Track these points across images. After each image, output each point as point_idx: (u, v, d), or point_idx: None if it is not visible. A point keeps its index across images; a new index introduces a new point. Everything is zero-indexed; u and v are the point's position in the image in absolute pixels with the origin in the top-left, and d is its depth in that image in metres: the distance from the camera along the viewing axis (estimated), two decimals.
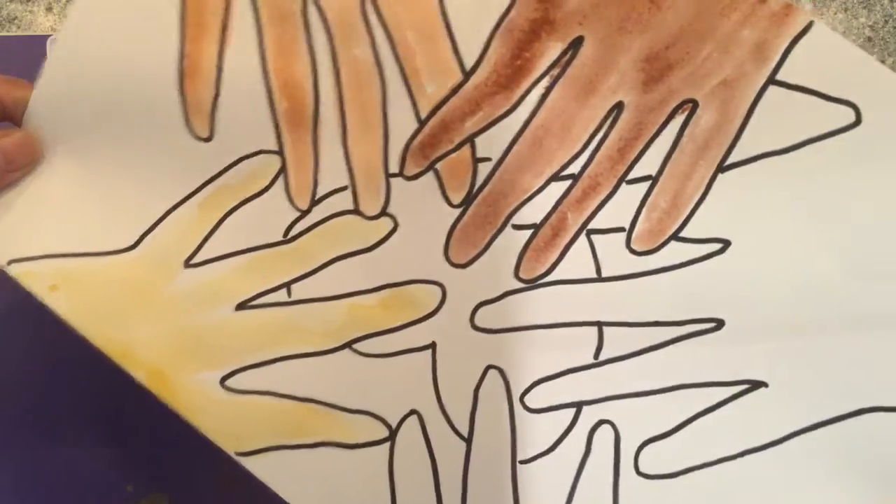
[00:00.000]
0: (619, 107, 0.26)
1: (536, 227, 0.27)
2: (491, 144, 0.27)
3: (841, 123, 0.26)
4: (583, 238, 0.27)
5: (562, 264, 0.27)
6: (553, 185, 0.27)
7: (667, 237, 0.27)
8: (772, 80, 0.25)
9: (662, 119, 0.26)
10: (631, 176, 0.26)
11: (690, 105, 0.26)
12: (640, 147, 0.26)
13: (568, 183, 0.27)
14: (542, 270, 0.27)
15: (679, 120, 0.26)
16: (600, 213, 0.27)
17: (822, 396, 0.27)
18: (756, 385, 0.27)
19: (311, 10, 0.26)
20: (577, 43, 0.26)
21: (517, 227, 0.27)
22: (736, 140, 0.26)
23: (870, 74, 0.25)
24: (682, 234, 0.27)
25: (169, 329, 0.28)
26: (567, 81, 0.26)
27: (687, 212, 0.26)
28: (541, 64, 0.26)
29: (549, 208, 0.27)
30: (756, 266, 0.27)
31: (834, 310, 0.27)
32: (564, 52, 0.26)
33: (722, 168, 0.26)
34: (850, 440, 0.27)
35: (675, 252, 0.27)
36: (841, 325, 0.27)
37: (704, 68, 0.25)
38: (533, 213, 0.27)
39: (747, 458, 0.27)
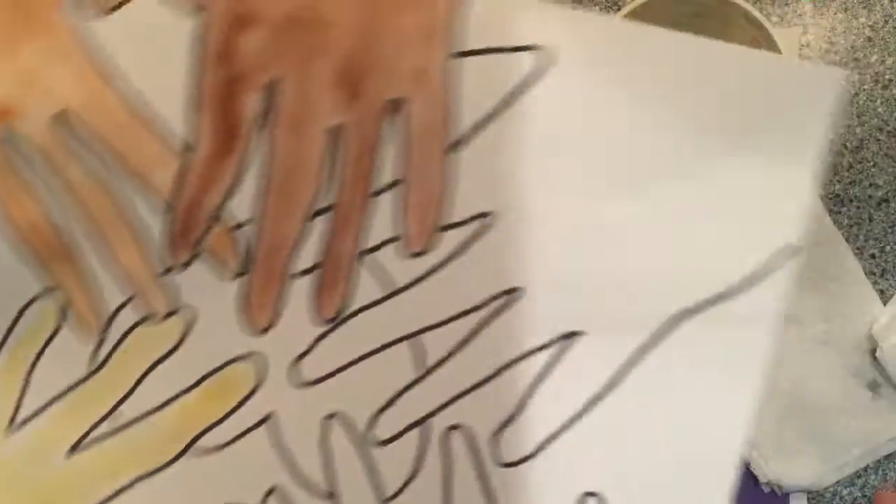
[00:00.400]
0: (338, 129, 0.26)
1: (318, 268, 0.27)
2: (242, 206, 0.27)
3: (534, 68, 0.26)
4: (364, 261, 0.27)
5: (356, 293, 0.27)
6: (316, 222, 0.27)
7: (435, 230, 0.27)
8: (458, 54, 0.26)
9: (379, 125, 0.26)
10: (379, 188, 0.27)
11: (399, 103, 0.26)
12: (373, 158, 0.27)
13: (327, 216, 0.27)
14: (340, 305, 0.27)
15: (397, 119, 0.26)
16: (369, 232, 0.27)
17: (636, 321, 0.27)
18: (574, 335, 0.27)
19: (14, 151, 0.27)
20: (273, 86, 0.26)
21: (301, 274, 0.27)
22: (451, 119, 0.26)
23: (540, 16, 0.26)
24: (448, 221, 0.27)
25: (7, 497, 0.28)
26: (281, 125, 0.26)
27: (441, 201, 0.27)
28: (248, 118, 0.26)
29: (321, 246, 0.27)
30: (526, 225, 0.27)
31: (611, 234, 0.27)
32: (266, 99, 0.26)
33: (453, 148, 0.26)
34: (679, 351, 0.27)
35: (450, 240, 0.27)
36: (621, 247, 0.27)
37: (392, 65, 0.26)
38: (309, 256, 0.27)
39: (595, 407, 0.27)
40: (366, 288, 0.27)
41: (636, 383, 0.27)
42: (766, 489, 0.42)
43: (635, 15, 0.33)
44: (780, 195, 0.26)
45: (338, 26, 0.26)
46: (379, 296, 0.27)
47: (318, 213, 0.27)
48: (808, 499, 0.43)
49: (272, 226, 0.27)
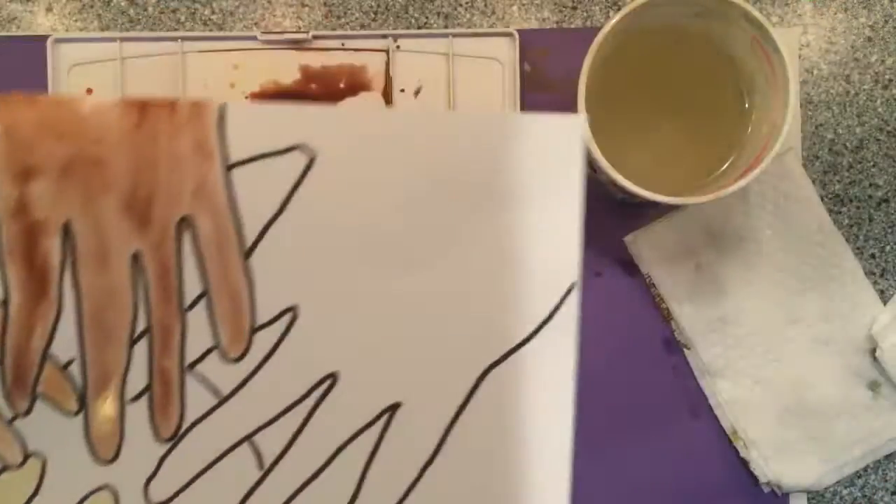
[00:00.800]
0: (137, 255, 0.28)
1: (147, 391, 0.29)
2: (66, 345, 0.28)
3: (302, 165, 0.28)
4: (189, 375, 0.29)
5: (188, 407, 0.29)
6: (136, 347, 0.28)
7: (248, 333, 0.29)
8: (230, 166, 0.28)
9: (174, 245, 0.28)
10: (188, 302, 0.28)
11: (188, 220, 0.28)
12: (176, 276, 0.28)
13: (145, 339, 0.28)
14: (176, 421, 0.29)
15: (187, 236, 0.28)
16: (187, 347, 0.28)
17: (449, 383, 0.29)
18: (394, 408, 0.29)
19: None
20: (67, 227, 0.28)
21: (134, 399, 0.29)
22: (238, 227, 0.28)
23: (300, 117, 0.28)
24: (259, 322, 0.28)
25: None
26: (82, 262, 0.28)
27: (247, 305, 0.28)
28: (54, 261, 0.28)
29: (146, 369, 0.28)
30: (328, 312, 0.29)
31: (407, 306, 0.29)
32: (64, 240, 0.28)
33: (248, 254, 0.28)
34: (493, 401, 0.29)
35: (264, 340, 0.29)
36: (420, 317, 0.29)
37: (172, 187, 0.28)
38: (137, 380, 0.28)
39: (427, 473, 0.29)
40: (197, 399, 0.29)
41: (461, 441, 0.29)
42: (766, 489, 0.42)
43: (635, 15, 0.33)
44: (553, 240, 0.28)
45: (114, 163, 0.27)
46: (210, 405, 0.29)
47: (141, 335, 0.28)
48: (808, 499, 0.43)
49: (96, 358, 0.28)
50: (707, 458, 0.42)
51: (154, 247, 0.28)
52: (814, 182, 0.43)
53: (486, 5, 0.43)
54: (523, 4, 0.43)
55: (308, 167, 0.28)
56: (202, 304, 0.28)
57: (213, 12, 0.44)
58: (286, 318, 0.29)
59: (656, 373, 0.43)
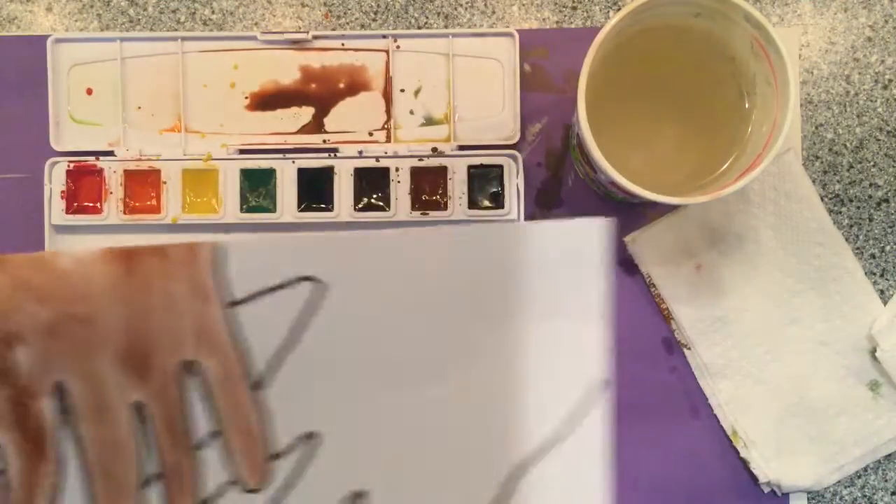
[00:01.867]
0: (139, 405, 0.27)
1: None
2: (76, 499, 0.27)
3: (306, 295, 0.27)
4: None
5: None
6: (151, 489, 0.28)
7: (266, 462, 0.28)
8: (231, 304, 0.27)
9: (178, 389, 0.27)
10: (198, 441, 0.28)
11: (191, 363, 0.27)
12: (182, 420, 0.27)
13: (160, 483, 0.28)
14: None
15: (195, 381, 0.27)
16: (203, 483, 0.28)
17: (477, 495, 0.28)
18: None
19: None
20: (62, 386, 0.27)
21: None
22: (244, 364, 0.27)
23: (298, 250, 0.27)
24: (274, 451, 0.28)
25: None
26: (82, 417, 0.27)
27: (263, 436, 0.28)
28: (48, 422, 0.27)
29: None
30: (353, 434, 0.28)
31: (432, 417, 0.28)
32: (59, 398, 0.27)
33: (257, 387, 0.28)
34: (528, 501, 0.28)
35: (284, 467, 0.28)
36: (446, 426, 0.28)
37: (170, 334, 0.27)
38: None
39: None
40: None
41: None
42: (766, 489, 0.42)
43: (635, 15, 0.33)
44: (578, 345, 0.28)
45: (104, 318, 0.26)
46: None
47: (152, 479, 0.28)
48: (808, 499, 0.43)
49: None
50: (707, 458, 0.42)
51: (156, 395, 0.27)
52: (814, 182, 0.43)
53: (486, 5, 0.43)
54: (523, 4, 0.43)
55: (319, 298, 0.27)
56: (215, 442, 0.28)
57: (213, 12, 0.44)
58: (308, 444, 0.28)
59: (656, 373, 0.43)
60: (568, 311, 0.28)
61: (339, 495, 0.28)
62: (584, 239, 0.27)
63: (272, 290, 0.27)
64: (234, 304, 0.27)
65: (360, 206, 0.42)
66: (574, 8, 0.43)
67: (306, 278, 0.27)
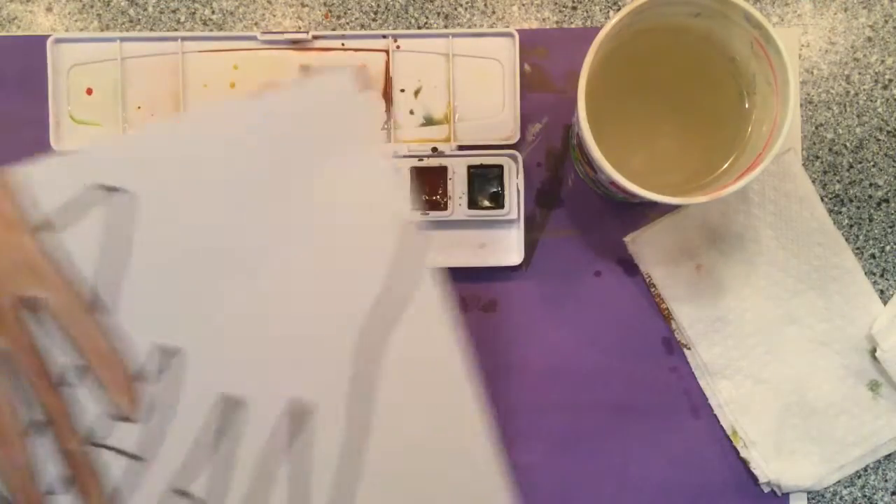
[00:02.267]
0: (4, 354, 0.28)
1: (73, 481, 0.28)
2: None
3: (120, 210, 0.28)
4: (98, 448, 0.29)
5: (111, 478, 0.29)
6: (42, 436, 0.28)
7: (130, 383, 0.29)
8: (41, 228, 0.27)
9: (27, 327, 0.28)
10: (66, 378, 0.28)
11: (32, 300, 0.28)
12: (46, 357, 0.28)
13: (48, 428, 0.28)
14: (107, 497, 0.29)
15: (46, 317, 0.28)
16: (82, 418, 0.28)
17: (339, 355, 0.29)
18: (299, 404, 0.29)
19: None
20: None
21: (53, 493, 0.29)
22: (86, 290, 0.28)
23: (94, 165, 0.28)
24: (137, 370, 0.29)
25: None
26: None
27: (118, 357, 0.29)
28: None
29: (57, 457, 0.28)
30: (209, 336, 0.29)
31: (283, 298, 0.29)
32: None
33: (98, 311, 0.28)
34: (402, 359, 0.29)
35: (153, 387, 0.29)
36: (298, 298, 0.29)
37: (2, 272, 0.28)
38: (54, 471, 0.29)
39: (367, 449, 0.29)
40: (117, 469, 0.29)
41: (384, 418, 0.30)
42: (766, 489, 0.42)
43: (635, 15, 0.33)
44: (377, 181, 0.30)
45: None
46: (130, 468, 0.29)
47: (41, 423, 0.28)
48: (808, 499, 0.43)
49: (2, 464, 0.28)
50: (707, 458, 0.42)
51: (13, 340, 0.28)
52: (814, 182, 0.43)
53: (486, 5, 0.43)
54: (523, 4, 0.43)
55: (132, 210, 0.28)
56: (86, 375, 0.28)
57: (213, 12, 0.44)
58: (170, 359, 0.29)
59: (656, 373, 0.43)
60: (354, 149, 0.29)
61: (212, 401, 0.29)
62: (339, 83, 0.29)
63: (79, 207, 0.27)
64: (46, 228, 0.27)
65: None
66: (574, 8, 0.43)
67: (117, 192, 0.28)
